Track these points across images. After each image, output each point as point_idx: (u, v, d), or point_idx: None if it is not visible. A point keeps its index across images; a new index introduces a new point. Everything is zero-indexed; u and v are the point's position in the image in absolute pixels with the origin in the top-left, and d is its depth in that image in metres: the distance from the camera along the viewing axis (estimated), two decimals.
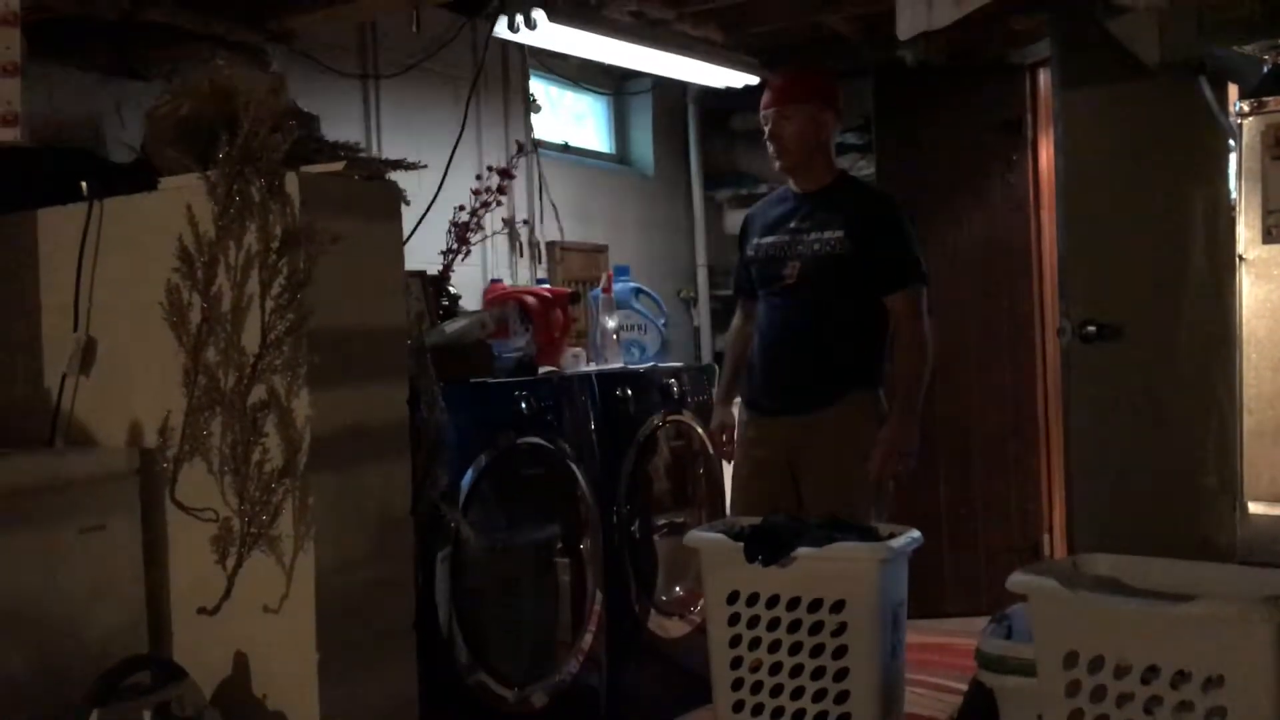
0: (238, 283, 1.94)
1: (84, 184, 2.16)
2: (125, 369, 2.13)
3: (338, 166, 2.03)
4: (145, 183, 2.10)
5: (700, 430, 3.46)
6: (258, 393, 1.92)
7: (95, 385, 2.16)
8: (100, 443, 2.16)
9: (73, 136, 2.39)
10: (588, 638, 3.02)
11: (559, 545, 2.97)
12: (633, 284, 3.93)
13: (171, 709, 1.93)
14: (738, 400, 3.22)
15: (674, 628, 3.36)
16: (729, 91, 4.53)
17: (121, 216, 2.13)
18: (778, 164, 3.06)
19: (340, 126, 3.09)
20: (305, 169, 1.95)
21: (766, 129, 3.05)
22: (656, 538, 3.35)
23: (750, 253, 3.12)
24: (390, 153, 2.19)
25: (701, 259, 5.05)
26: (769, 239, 3.07)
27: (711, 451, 3.35)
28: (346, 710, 1.99)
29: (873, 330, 3.02)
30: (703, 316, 4.97)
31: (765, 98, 3.06)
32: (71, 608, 2.00)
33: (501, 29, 3.44)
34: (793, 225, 3.03)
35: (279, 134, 1.96)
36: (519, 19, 3.33)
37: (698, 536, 2.70)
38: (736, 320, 3.29)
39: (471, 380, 2.75)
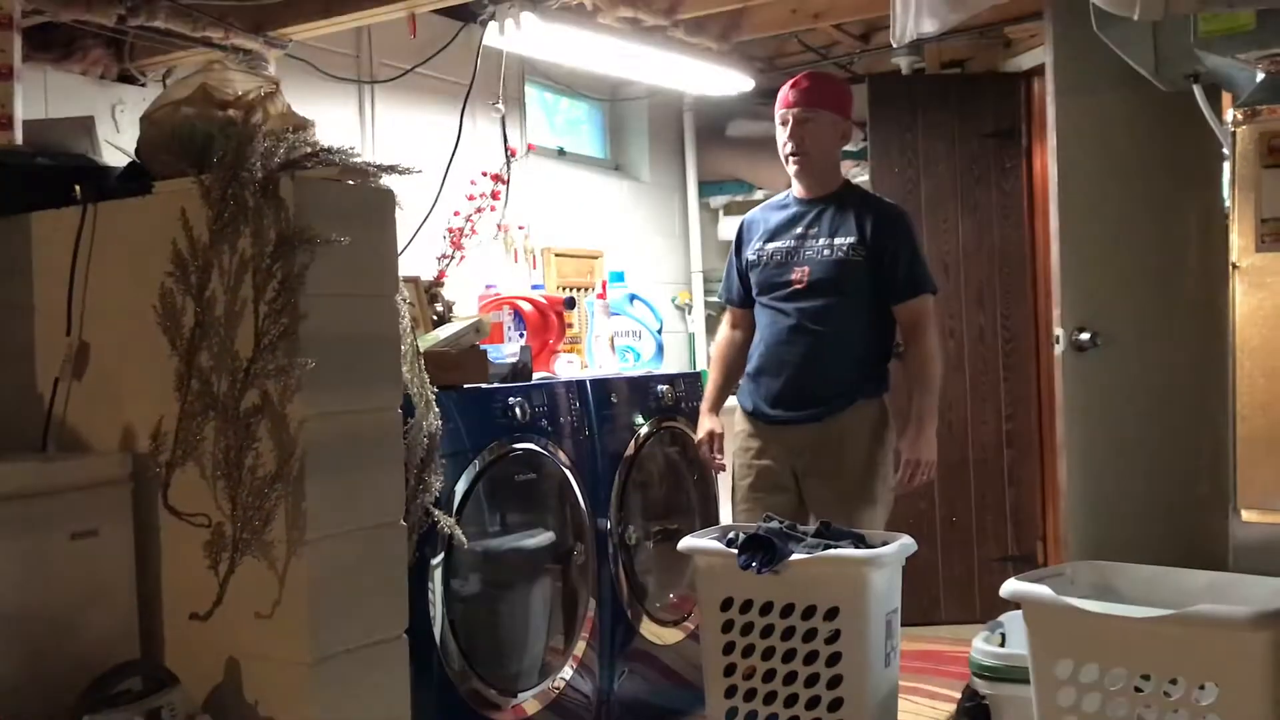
0: (231, 287, 1.93)
1: (78, 188, 2.16)
2: (118, 373, 2.12)
3: (332, 171, 2.03)
4: (140, 187, 2.09)
5: (692, 436, 3.45)
6: (251, 397, 1.91)
7: (88, 390, 2.15)
8: (93, 448, 2.15)
9: (67, 140, 2.38)
10: (581, 644, 3.02)
11: (552, 551, 2.97)
12: (628, 290, 3.93)
13: (163, 715, 1.93)
14: (726, 408, 3.21)
15: (667, 634, 3.36)
16: (724, 98, 4.54)
17: (116, 220, 2.12)
18: (791, 165, 3.02)
19: (335, 131, 3.10)
20: (300, 174, 1.95)
21: (785, 128, 3.01)
22: (650, 544, 3.35)
23: (752, 258, 3.08)
24: (385, 158, 2.18)
25: (696, 265, 5.05)
26: (774, 244, 3.04)
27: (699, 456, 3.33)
28: (339, 717, 1.98)
29: (880, 338, 3.02)
30: (697, 323, 4.97)
31: (788, 96, 3.01)
32: (63, 613, 1.99)
33: (495, 37, 3.44)
34: (800, 230, 3.01)
35: (273, 139, 1.96)
36: (509, 22, 3.34)
37: (692, 543, 2.70)
38: (724, 328, 3.26)
39: (465, 386, 2.74)
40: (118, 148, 2.36)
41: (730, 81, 4.29)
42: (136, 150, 2.17)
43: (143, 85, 2.98)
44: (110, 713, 1.90)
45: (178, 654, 2.08)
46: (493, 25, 3.44)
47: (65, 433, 2.18)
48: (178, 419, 1.97)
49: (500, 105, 3.97)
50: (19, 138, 2.26)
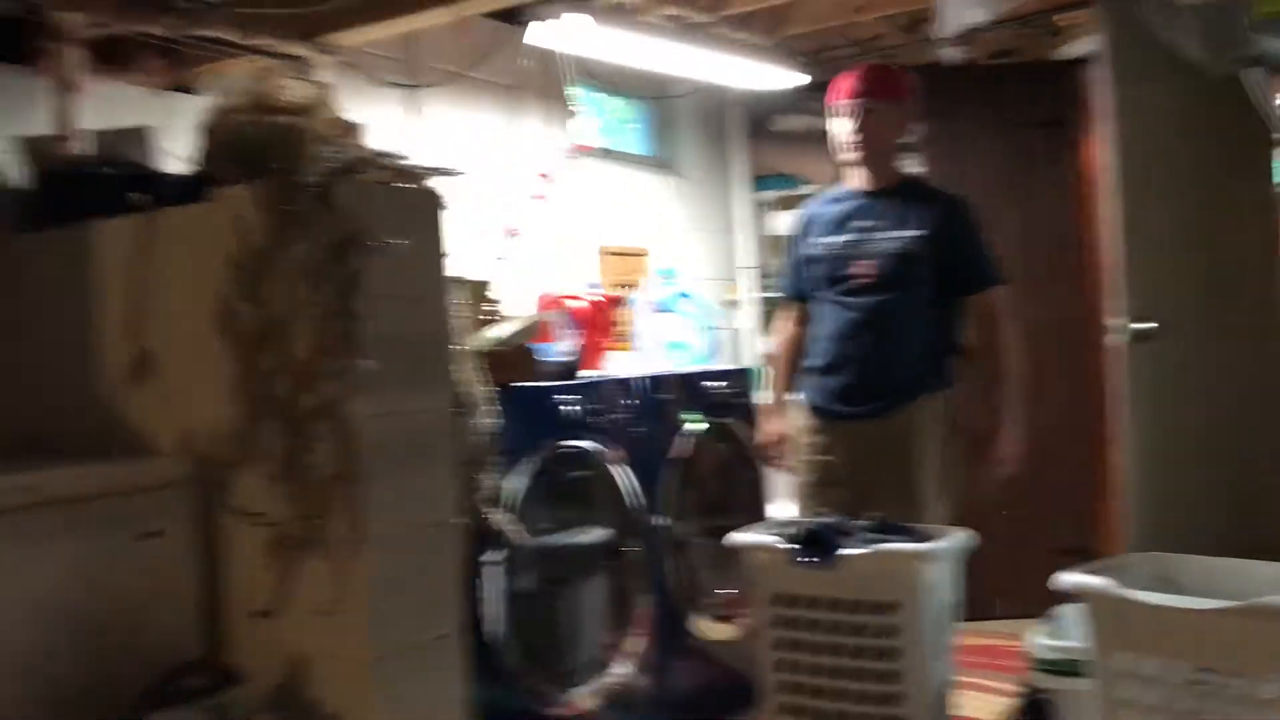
0: (289, 291, 1.96)
1: (138, 196, 2.20)
2: (180, 377, 2.16)
3: (383, 175, 2.05)
4: (198, 194, 2.13)
5: (745, 433, 3.45)
6: (310, 399, 1.93)
7: (151, 394, 2.19)
8: (157, 450, 2.19)
9: (127, 149, 2.43)
10: (634, 640, 3.03)
11: (604, 548, 2.98)
12: (677, 287, 3.93)
13: (227, 713, 1.96)
14: (789, 403, 3.18)
15: (721, 630, 3.36)
16: (769, 94, 4.53)
17: (175, 227, 2.16)
18: (853, 155, 2.97)
19: (385, 135, 3.14)
20: (352, 178, 1.98)
21: (847, 119, 2.95)
22: (703, 540, 3.35)
23: (811, 252, 3.03)
24: (435, 161, 2.20)
25: (745, 261, 5.05)
26: (835, 238, 2.99)
27: (759, 454, 3.32)
28: (400, 712, 2.00)
29: (945, 332, 2.98)
30: (747, 319, 4.97)
31: (850, 86, 2.95)
32: (128, 613, 2.03)
33: (542, 37, 3.46)
34: (863, 223, 2.96)
35: (326, 144, 1.99)
36: (556, 23, 3.35)
37: (744, 539, 2.70)
38: (785, 324, 3.21)
39: (518, 384, 2.76)
40: (175, 156, 2.40)
41: (776, 76, 4.28)
42: (194, 158, 2.21)
43: (198, 94, 3.03)
44: (175, 710, 1.94)
45: (241, 652, 2.11)
46: (538, 25, 3.46)
47: (130, 436, 2.22)
48: (239, 421, 2.00)
49: (574, 107, 3.99)
50: (82, 148, 2.31)
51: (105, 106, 2.78)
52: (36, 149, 2.38)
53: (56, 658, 1.93)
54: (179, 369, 2.16)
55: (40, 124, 2.50)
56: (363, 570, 1.95)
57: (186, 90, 3.02)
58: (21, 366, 2.36)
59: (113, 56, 2.84)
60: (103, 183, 2.27)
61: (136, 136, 2.48)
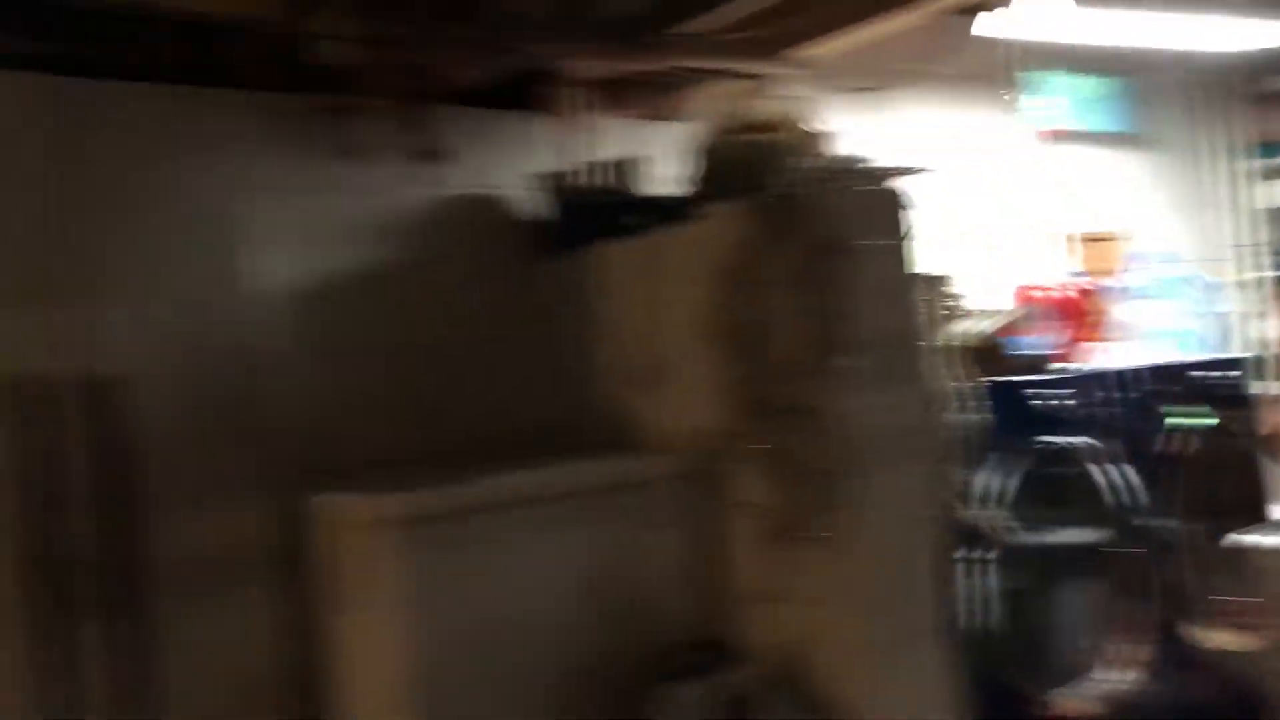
0: (776, 297, 2.08)
1: (636, 219, 2.44)
2: (681, 381, 2.35)
3: (852, 180, 2.13)
4: (689, 213, 2.32)
5: (1242, 426, 3.17)
6: (800, 397, 2.04)
7: (656, 396, 2.40)
8: (664, 448, 2.38)
9: (625, 178, 2.69)
10: (1126, 645, 2.89)
11: (1093, 548, 2.87)
12: (1161, 271, 3.69)
13: (728, 690, 2.11)
14: None
15: (1225, 640, 3.11)
16: (1256, 54, 4.10)
17: (669, 246, 2.37)
18: None
19: (852, 139, 3.22)
20: (828, 185, 2.07)
21: None
22: (1200, 542, 3.12)
23: None
24: (897, 161, 2.24)
25: (1237, 239, 4.60)
26: None
27: (1263, 449, 3.04)
28: (890, 700, 2.06)
29: None
30: (1242, 302, 4.53)
31: None
32: (639, 595, 2.24)
33: (999, 26, 3.37)
34: None
35: (803, 155, 2.11)
36: (1020, 9, 3.25)
37: (1261, 541, 2.48)
38: None
39: (992, 380, 2.73)
40: (664, 181, 2.63)
41: (1266, 33, 3.87)
42: (681, 181, 2.41)
43: (673, 122, 3.27)
44: (683, 684, 2.12)
45: (738, 634, 2.25)
46: (992, 15, 3.37)
47: (631, 434, 2.45)
48: (733, 420, 2.16)
49: (1034, 91, 3.88)
50: (587, 180, 2.61)
51: (598, 140, 3.10)
52: (551, 184, 2.71)
53: (580, 630, 2.18)
54: (677, 373, 2.35)
55: (547, 161, 2.81)
56: (855, 562, 2.02)
57: (669, 118, 3.27)
58: (537, 373, 2.69)
59: (604, 95, 3.14)
60: (606, 210, 2.55)
61: (629, 166, 2.75)
